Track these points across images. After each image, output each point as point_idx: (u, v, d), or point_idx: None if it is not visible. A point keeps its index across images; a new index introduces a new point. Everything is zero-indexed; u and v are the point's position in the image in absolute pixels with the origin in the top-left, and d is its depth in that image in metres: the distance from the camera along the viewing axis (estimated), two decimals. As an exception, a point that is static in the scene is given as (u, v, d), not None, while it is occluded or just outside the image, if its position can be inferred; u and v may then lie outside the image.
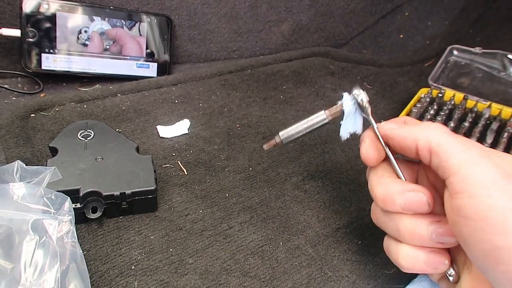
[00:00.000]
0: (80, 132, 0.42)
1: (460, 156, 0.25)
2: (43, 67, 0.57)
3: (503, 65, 0.61)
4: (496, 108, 0.53)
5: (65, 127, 0.43)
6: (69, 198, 0.33)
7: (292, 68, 0.65)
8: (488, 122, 0.52)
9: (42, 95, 0.56)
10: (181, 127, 0.50)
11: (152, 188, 0.37)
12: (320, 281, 0.35)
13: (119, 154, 0.40)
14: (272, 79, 0.62)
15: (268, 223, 0.40)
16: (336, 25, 0.78)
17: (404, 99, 0.61)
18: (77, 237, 0.32)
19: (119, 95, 0.54)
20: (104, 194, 0.36)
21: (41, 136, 0.46)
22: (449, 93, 0.56)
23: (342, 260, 0.37)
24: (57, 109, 0.50)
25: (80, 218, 0.36)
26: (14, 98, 0.55)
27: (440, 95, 0.56)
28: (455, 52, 0.64)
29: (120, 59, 0.60)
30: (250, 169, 0.46)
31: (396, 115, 0.57)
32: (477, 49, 0.63)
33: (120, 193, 0.37)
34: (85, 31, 0.57)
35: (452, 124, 0.51)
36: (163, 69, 0.63)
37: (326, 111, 0.34)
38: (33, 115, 0.49)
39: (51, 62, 0.57)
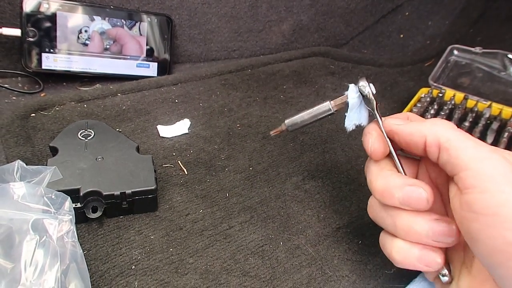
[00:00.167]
0: (81, 131, 0.42)
1: (470, 151, 0.25)
2: (43, 67, 0.56)
3: (504, 65, 0.61)
4: (496, 108, 0.53)
5: (66, 126, 0.43)
6: (69, 198, 0.33)
7: (292, 68, 0.65)
8: (488, 122, 0.52)
9: (42, 94, 0.56)
10: (182, 127, 0.50)
11: (152, 187, 0.37)
12: (320, 281, 0.35)
13: (119, 154, 0.40)
14: (273, 79, 0.62)
15: (268, 223, 0.40)
16: (337, 25, 0.78)
17: (405, 99, 0.61)
18: (77, 236, 0.32)
19: (119, 94, 0.54)
20: (104, 193, 0.36)
21: (41, 136, 0.46)
22: (449, 93, 0.56)
23: (343, 260, 0.37)
24: (57, 108, 0.50)
25: (80, 218, 0.36)
26: (14, 98, 0.55)
27: (441, 95, 0.56)
28: (456, 52, 0.64)
29: (120, 58, 0.60)
30: (250, 168, 0.46)
31: (397, 115, 0.57)
32: (478, 49, 0.63)
33: (120, 192, 0.37)
34: (86, 31, 0.57)
35: (452, 124, 0.51)
36: (163, 69, 0.63)
37: (332, 101, 0.33)
38: (33, 114, 0.49)
39: (51, 61, 0.57)
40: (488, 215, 0.23)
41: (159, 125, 0.50)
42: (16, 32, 0.54)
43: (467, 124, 0.51)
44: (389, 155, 0.31)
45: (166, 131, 0.49)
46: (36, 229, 0.29)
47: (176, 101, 0.55)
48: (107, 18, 0.58)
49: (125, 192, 0.37)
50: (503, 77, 0.61)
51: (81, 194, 0.36)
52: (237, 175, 0.45)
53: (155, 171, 0.40)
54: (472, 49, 0.63)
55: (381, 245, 0.31)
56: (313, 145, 0.50)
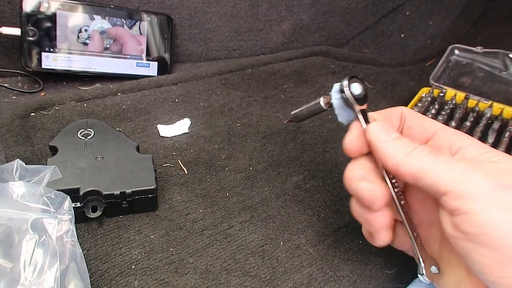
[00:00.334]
0: (80, 131, 0.42)
1: (446, 176, 0.25)
2: (43, 66, 0.56)
3: (505, 65, 0.61)
4: (497, 107, 0.53)
5: (65, 126, 0.43)
6: (69, 197, 0.33)
7: (292, 67, 0.65)
8: (489, 121, 0.52)
9: (42, 94, 0.56)
10: (182, 126, 0.50)
11: (152, 187, 0.37)
12: (320, 281, 0.35)
13: (119, 153, 0.40)
14: (273, 78, 0.62)
15: (269, 223, 0.40)
16: (337, 24, 0.78)
17: (405, 99, 0.61)
18: (77, 236, 0.32)
19: (119, 94, 0.54)
20: (104, 193, 0.36)
21: (41, 135, 0.46)
22: (450, 92, 0.56)
23: (343, 259, 0.37)
24: (57, 108, 0.50)
25: (80, 217, 0.36)
26: (14, 97, 0.55)
27: (441, 94, 0.56)
28: (456, 52, 0.64)
29: (120, 58, 0.60)
30: (251, 168, 0.45)
31: (397, 114, 0.57)
32: (479, 49, 0.63)
33: (120, 192, 0.36)
34: (86, 30, 0.57)
35: (453, 124, 0.51)
36: (163, 68, 0.63)
37: (323, 98, 0.33)
38: (33, 114, 0.49)
39: (51, 61, 0.57)
40: (476, 234, 0.23)
41: (159, 125, 0.50)
42: (16, 31, 0.54)
43: (468, 124, 0.51)
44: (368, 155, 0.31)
45: (166, 130, 0.49)
46: (35, 228, 0.29)
47: (176, 100, 0.54)
48: (107, 18, 0.58)
49: (125, 191, 0.37)
50: (504, 76, 0.61)
51: (81, 193, 0.36)
52: (238, 174, 0.44)
53: (155, 170, 0.39)
54: (473, 48, 0.63)
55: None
56: (313, 144, 0.50)
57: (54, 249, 0.28)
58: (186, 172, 0.44)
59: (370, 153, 0.30)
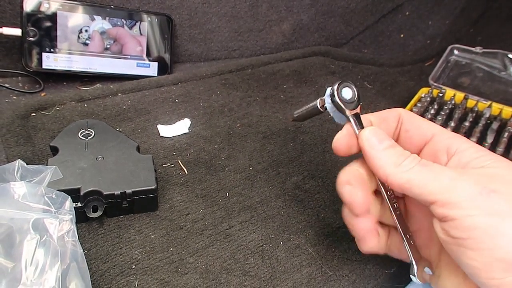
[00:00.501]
0: (81, 131, 0.42)
1: (433, 185, 0.26)
2: (43, 66, 0.57)
3: (504, 65, 0.61)
4: (496, 107, 0.53)
5: (66, 126, 0.43)
6: (69, 197, 0.33)
7: (292, 67, 0.65)
8: (488, 121, 0.52)
9: (42, 94, 0.56)
10: (182, 127, 0.50)
11: (153, 187, 0.38)
12: (320, 281, 0.35)
13: (119, 154, 0.40)
14: (273, 79, 0.62)
15: (269, 223, 0.40)
16: (337, 25, 0.78)
17: (405, 99, 0.61)
18: (78, 236, 0.32)
19: (119, 94, 0.54)
20: (104, 193, 0.36)
21: (41, 135, 0.46)
22: (449, 92, 0.56)
23: (343, 259, 0.37)
24: (57, 108, 0.50)
25: (80, 217, 0.36)
26: (14, 97, 0.55)
27: (441, 94, 0.56)
28: (456, 52, 0.64)
29: (120, 58, 0.60)
30: (251, 168, 0.46)
31: (397, 114, 0.57)
32: (478, 49, 0.63)
33: (120, 192, 0.37)
34: (86, 30, 0.57)
35: (452, 124, 0.51)
36: (163, 69, 0.63)
37: (319, 100, 0.33)
38: (33, 114, 0.49)
39: (51, 61, 0.57)
40: (464, 239, 0.24)
41: (159, 125, 0.50)
42: (17, 31, 0.54)
43: (467, 124, 0.51)
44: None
45: (167, 130, 0.49)
46: (36, 228, 0.29)
47: (177, 100, 0.55)
48: (107, 18, 0.58)
49: (125, 191, 0.37)
50: (503, 77, 0.61)
51: (82, 193, 0.36)
52: (237, 174, 0.45)
53: (155, 170, 0.40)
54: (473, 48, 0.63)
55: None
56: (313, 144, 0.50)
57: (55, 249, 0.28)
58: (186, 172, 0.44)
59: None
